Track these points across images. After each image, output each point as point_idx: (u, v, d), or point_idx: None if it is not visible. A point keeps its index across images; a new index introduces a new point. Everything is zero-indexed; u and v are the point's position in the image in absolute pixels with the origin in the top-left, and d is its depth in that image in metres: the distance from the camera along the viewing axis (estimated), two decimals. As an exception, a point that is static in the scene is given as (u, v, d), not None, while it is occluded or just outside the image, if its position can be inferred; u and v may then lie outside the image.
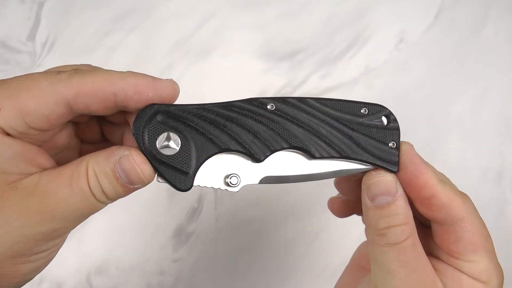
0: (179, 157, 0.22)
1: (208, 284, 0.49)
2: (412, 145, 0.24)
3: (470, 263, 0.24)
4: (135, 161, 0.21)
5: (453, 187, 0.24)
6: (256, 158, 0.23)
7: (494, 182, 0.51)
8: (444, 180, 0.24)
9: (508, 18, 0.54)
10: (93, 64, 0.25)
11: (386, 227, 0.22)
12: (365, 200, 0.23)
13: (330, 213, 0.32)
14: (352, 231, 0.48)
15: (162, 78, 0.22)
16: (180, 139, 0.22)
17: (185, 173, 0.23)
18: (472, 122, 0.52)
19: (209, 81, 0.52)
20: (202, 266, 0.49)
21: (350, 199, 0.30)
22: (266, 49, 0.52)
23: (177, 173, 0.22)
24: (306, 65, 0.52)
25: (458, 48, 0.53)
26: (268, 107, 0.24)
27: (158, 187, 0.50)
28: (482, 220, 0.25)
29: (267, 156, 0.23)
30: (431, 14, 0.54)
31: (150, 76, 0.22)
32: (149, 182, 0.22)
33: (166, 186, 0.49)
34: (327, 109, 0.24)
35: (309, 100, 0.24)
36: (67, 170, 0.21)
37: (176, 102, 0.23)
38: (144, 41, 0.52)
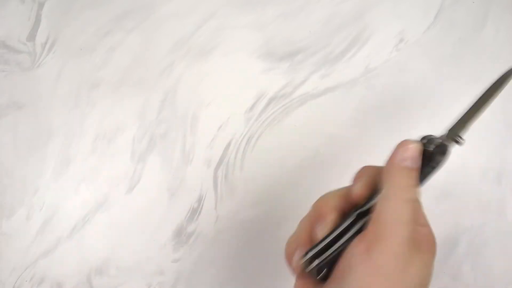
0: None
1: (208, 284, 0.49)
2: None
3: None
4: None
5: None
6: None
7: (494, 182, 0.51)
8: None
9: (508, 18, 0.54)
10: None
11: (411, 185, 0.27)
12: (397, 157, 0.28)
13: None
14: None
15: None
16: None
17: None
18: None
19: (209, 81, 0.52)
20: (202, 266, 0.49)
21: None
22: (266, 49, 0.52)
23: None
24: (306, 65, 0.52)
25: (458, 48, 0.53)
26: None
27: (158, 187, 0.50)
28: None
29: None
30: (431, 14, 0.54)
31: None
32: None
33: (167, 186, 0.49)
34: None
35: None
36: None
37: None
38: (144, 41, 0.52)
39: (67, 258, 0.49)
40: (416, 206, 0.26)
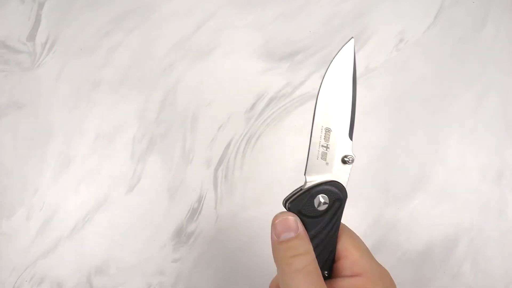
0: None
1: (208, 284, 0.49)
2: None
3: (342, 260, 0.28)
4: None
5: None
6: None
7: (494, 182, 0.51)
8: None
9: (508, 18, 0.54)
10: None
11: (292, 256, 0.26)
12: (273, 237, 0.28)
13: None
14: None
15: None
16: None
17: None
18: (472, 122, 0.52)
19: (209, 81, 0.52)
20: (202, 266, 0.49)
21: None
22: (266, 49, 0.52)
23: None
24: (306, 65, 0.52)
25: (458, 48, 0.53)
26: None
27: (158, 187, 0.50)
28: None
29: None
30: (431, 14, 0.54)
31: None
32: None
33: (167, 186, 0.49)
34: None
35: None
36: None
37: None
38: (144, 41, 0.52)
39: (67, 258, 0.49)
40: (308, 270, 0.26)
